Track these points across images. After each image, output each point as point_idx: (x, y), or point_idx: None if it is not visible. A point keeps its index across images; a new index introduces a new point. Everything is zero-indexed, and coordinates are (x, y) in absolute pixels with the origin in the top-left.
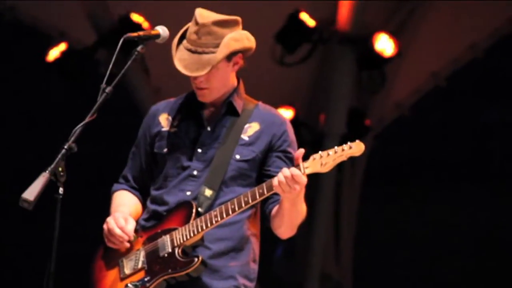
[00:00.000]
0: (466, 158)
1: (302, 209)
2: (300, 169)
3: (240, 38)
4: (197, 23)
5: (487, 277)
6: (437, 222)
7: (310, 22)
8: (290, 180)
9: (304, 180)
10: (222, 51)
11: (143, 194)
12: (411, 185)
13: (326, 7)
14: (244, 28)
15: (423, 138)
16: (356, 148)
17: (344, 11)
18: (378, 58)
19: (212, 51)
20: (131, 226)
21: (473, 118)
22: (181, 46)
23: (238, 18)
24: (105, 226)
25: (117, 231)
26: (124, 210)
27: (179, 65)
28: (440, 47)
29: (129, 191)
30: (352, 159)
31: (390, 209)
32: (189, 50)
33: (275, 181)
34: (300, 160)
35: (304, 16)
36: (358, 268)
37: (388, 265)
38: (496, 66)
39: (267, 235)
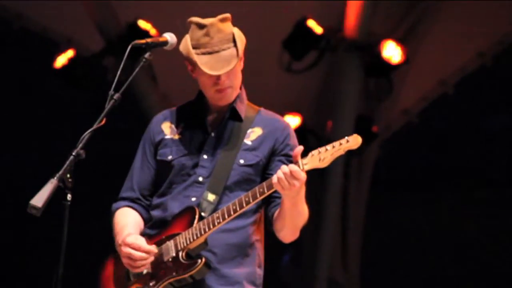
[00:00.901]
0: (473, 165)
1: (303, 210)
2: (299, 166)
3: (242, 35)
4: (203, 26)
5: (494, 281)
6: (445, 228)
7: (318, 29)
8: (289, 176)
9: (303, 176)
10: (241, 43)
11: (150, 205)
12: (418, 191)
13: (333, 14)
14: (252, 35)
15: (430, 145)
16: (353, 141)
17: (352, 18)
18: (385, 65)
19: (228, 47)
20: (145, 245)
21: (481, 125)
22: (195, 56)
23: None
24: (123, 250)
25: (138, 254)
26: (131, 230)
27: (205, 69)
28: (447, 55)
29: (130, 207)
30: (359, 166)
31: (397, 215)
32: (206, 53)
33: (274, 178)
34: (299, 157)
35: (312, 23)
36: (365, 274)
37: (396, 271)
38: (504, 73)
39: (274, 241)
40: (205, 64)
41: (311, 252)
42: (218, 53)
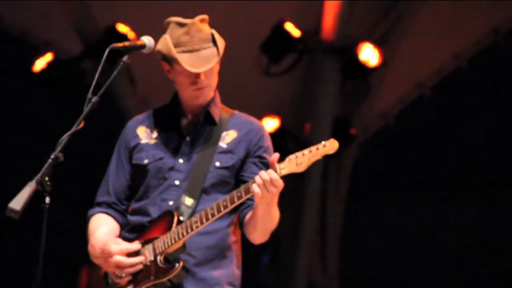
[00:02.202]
0: (450, 167)
1: (275, 215)
2: (276, 170)
3: (220, 37)
4: (183, 25)
5: (478, 282)
6: (423, 229)
7: (295, 32)
8: (269, 183)
9: (281, 183)
10: (220, 43)
11: (126, 210)
12: (396, 193)
13: (311, 17)
14: (230, 39)
15: (408, 147)
16: (330, 146)
17: (329, 21)
18: (362, 68)
19: (208, 46)
20: (125, 246)
21: (457, 128)
22: (176, 54)
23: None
24: (111, 261)
25: (128, 261)
26: (107, 237)
27: (187, 66)
28: (424, 57)
29: (105, 213)
30: (337, 168)
31: (375, 216)
32: (186, 51)
33: (254, 186)
34: (276, 164)
35: (289, 26)
36: (344, 275)
37: (375, 272)
38: (480, 75)
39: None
40: (186, 61)
41: (290, 253)
42: (199, 52)
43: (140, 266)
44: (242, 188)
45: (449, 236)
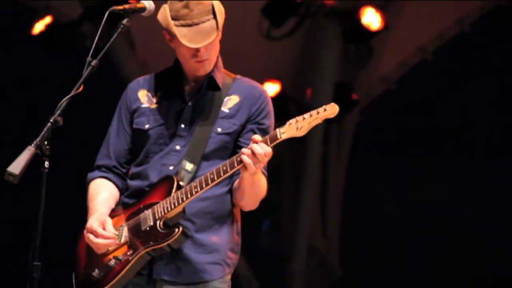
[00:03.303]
0: (453, 131)
1: (262, 184)
2: (276, 134)
3: (221, 6)
4: None
5: (477, 253)
6: (424, 195)
7: None
8: (262, 156)
9: (271, 153)
10: (220, 16)
11: (126, 174)
12: (398, 158)
13: None
14: (231, 2)
15: (410, 111)
16: (330, 110)
17: None
18: (364, 31)
19: (207, 19)
20: (109, 227)
21: (459, 91)
22: (174, 28)
23: None
24: (86, 236)
25: (100, 240)
26: (100, 209)
27: (185, 42)
28: (426, 21)
29: (105, 177)
30: (339, 133)
31: (376, 182)
32: (185, 25)
33: (245, 158)
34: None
35: None
36: (344, 241)
37: (375, 238)
38: (481, 40)
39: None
40: (184, 36)
41: (291, 218)
42: (198, 25)
43: (112, 242)
44: (242, 151)
45: (452, 201)
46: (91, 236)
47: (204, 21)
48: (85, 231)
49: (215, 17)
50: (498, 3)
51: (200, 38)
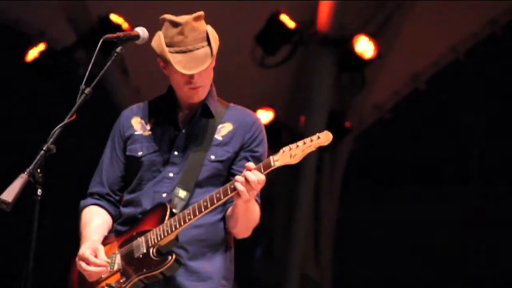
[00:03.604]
0: (445, 160)
1: (255, 212)
2: (269, 162)
3: (215, 33)
4: (177, 24)
5: (469, 276)
6: (417, 222)
7: (290, 24)
8: (255, 184)
9: (264, 180)
10: (215, 42)
11: (119, 201)
12: (390, 186)
13: (306, 9)
14: (224, 30)
15: (402, 140)
16: (324, 138)
17: (324, 12)
18: (358, 60)
19: (202, 46)
20: (101, 254)
21: (452, 120)
22: (169, 55)
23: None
24: (78, 263)
25: (92, 268)
26: (92, 236)
27: (179, 68)
28: (420, 50)
29: (98, 205)
30: (332, 161)
31: (369, 210)
32: (180, 52)
33: (238, 185)
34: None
35: (284, 18)
36: (337, 269)
37: (368, 266)
38: (476, 68)
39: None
40: (178, 63)
41: (284, 247)
42: (192, 52)
43: (104, 270)
44: (236, 179)
45: (445, 228)
46: (83, 264)
47: (199, 47)
48: (77, 259)
49: (209, 44)
50: (493, 31)
51: (194, 65)
